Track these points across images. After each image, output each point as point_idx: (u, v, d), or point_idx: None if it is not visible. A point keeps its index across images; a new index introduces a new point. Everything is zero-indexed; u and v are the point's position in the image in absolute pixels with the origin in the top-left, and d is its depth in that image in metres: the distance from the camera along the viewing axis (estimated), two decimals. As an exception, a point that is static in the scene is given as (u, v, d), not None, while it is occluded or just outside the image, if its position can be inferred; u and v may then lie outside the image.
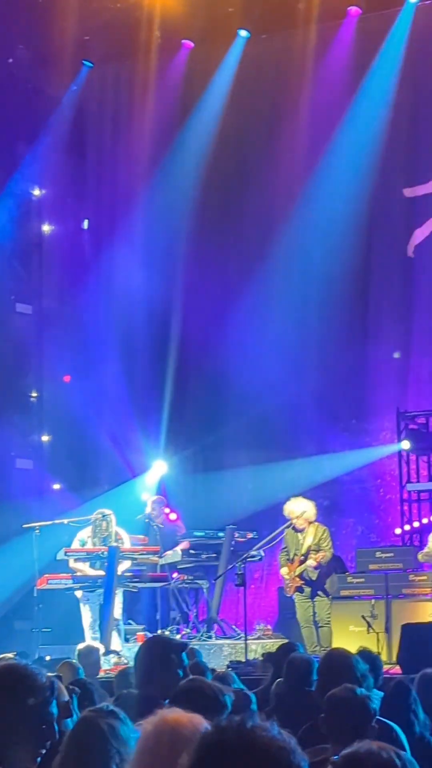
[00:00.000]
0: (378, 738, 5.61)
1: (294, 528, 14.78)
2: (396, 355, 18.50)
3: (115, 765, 4.25)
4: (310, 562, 14.54)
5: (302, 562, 14.60)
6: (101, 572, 14.88)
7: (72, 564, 15.16)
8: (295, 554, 14.73)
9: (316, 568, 14.58)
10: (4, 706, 3.95)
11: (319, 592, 14.72)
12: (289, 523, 14.90)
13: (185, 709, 3.69)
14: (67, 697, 5.62)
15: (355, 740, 5.20)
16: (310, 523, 14.83)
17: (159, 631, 15.51)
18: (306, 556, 14.62)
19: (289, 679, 7.82)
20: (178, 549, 16.47)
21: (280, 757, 2.26)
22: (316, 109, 18.73)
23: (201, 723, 3.29)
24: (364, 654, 8.33)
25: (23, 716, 3.97)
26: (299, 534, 14.78)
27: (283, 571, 14.82)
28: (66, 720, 5.57)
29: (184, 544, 16.61)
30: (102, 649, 13.08)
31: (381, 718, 6.12)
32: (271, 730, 2.29)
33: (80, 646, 12.71)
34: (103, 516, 15.27)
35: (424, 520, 17.28)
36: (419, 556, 14.45)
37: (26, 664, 4.17)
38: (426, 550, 14.32)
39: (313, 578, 14.62)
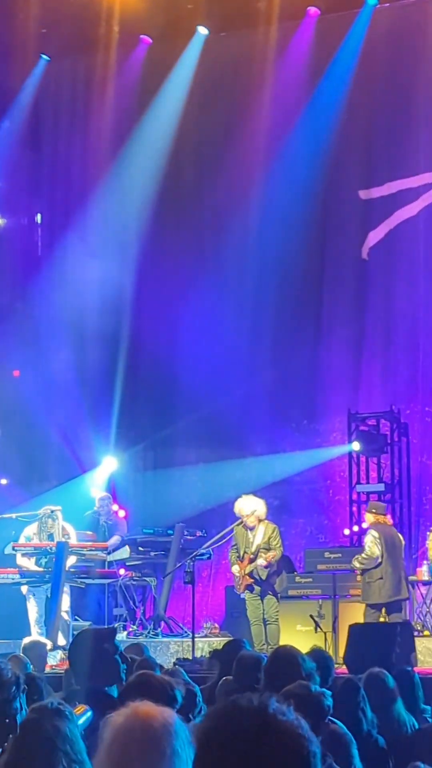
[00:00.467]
0: (329, 736, 5.64)
1: (245, 526, 14.77)
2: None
3: (62, 766, 4.20)
4: (261, 561, 14.53)
5: (252, 561, 14.59)
6: (41, 569, 14.83)
7: (19, 560, 15.07)
8: (245, 552, 14.72)
9: (266, 567, 14.57)
10: None
11: (269, 591, 14.71)
12: (239, 521, 14.88)
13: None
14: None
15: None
16: (261, 521, 14.82)
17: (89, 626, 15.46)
18: (256, 554, 14.61)
19: (238, 676, 7.81)
20: (114, 540, 16.41)
21: (298, 743, 2.20)
22: (273, 107, 18.76)
23: (172, 716, 3.26)
24: (318, 653, 8.34)
25: None
26: (249, 532, 14.77)
27: (234, 569, 14.80)
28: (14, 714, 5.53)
29: (114, 539, 16.56)
30: (49, 645, 13.01)
31: (329, 717, 6.13)
32: (289, 715, 2.23)
33: (26, 640, 12.63)
34: (51, 512, 15.20)
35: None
36: (355, 563, 14.38)
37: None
38: (365, 554, 14.29)
39: (263, 577, 14.62)
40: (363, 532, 17.11)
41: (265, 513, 14.91)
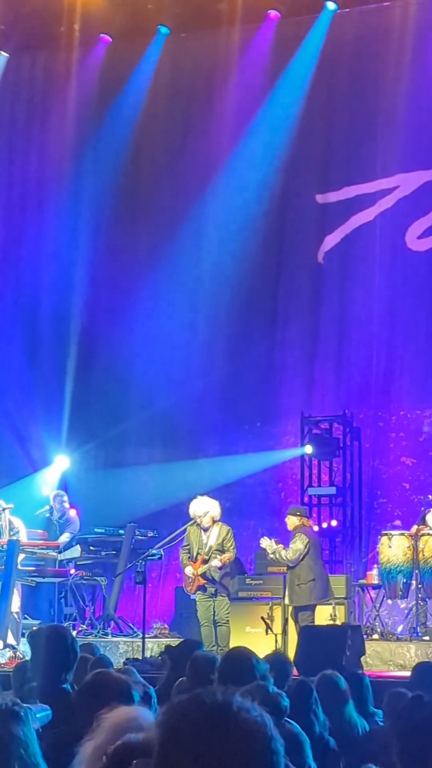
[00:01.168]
0: (285, 737, 5.65)
1: (199, 526, 14.78)
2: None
3: None
4: (215, 563, 14.54)
5: (206, 562, 14.60)
6: None
7: None
8: (198, 553, 14.72)
9: (220, 568, 14.59)
10: None
11: (221, 592, 14.72)
12: (192, 521, 14.88)
13: (93, 701, 3.65)
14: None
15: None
16: (215, 522, 14.85)
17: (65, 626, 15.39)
18: (210, 555, 14.63)
19: (192, 677, 7.80)
20: (64, 537, 16.36)
21: (261, 737, 2.14)
22: (232, 109, 18.79)
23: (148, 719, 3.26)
24: (277, 657, 8.38)
25: None
26: (204, 533, 14.78)
27: (188, 570, 14.78)
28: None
29: (64, 536, 16.52)
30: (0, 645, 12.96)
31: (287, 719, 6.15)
32: (252, 709, 2.18)
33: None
34: None
35: (324, 525, 17.41)
36: (276, 555, 14.48)
37: None
38: (288, 552, 14.38)
39: (217, 578, 14.64)
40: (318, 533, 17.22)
41: (219, 514, 14.94)
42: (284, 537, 16.60)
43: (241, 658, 6.76)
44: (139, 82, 19.36)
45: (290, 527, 14.73)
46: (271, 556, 14.50)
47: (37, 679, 6.30)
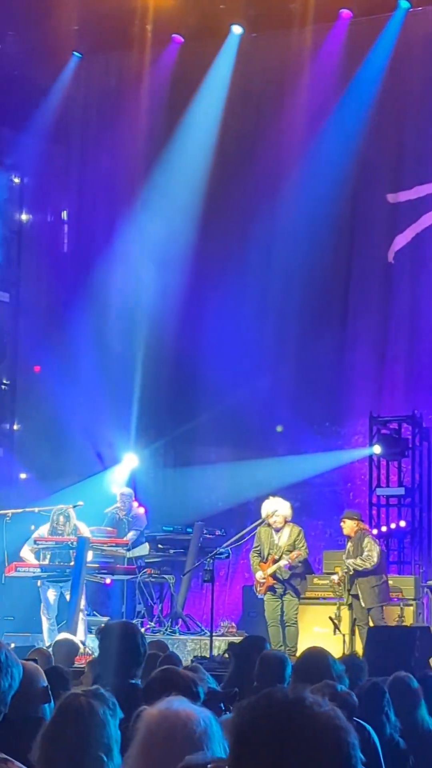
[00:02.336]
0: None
1: (270, 526, 14.79)
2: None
3: (102, 752, 4.22)
4: (283, 562, 14.56)
5: (276, 562, 14.63)
6: (58, 563, 14.89)
7: (23, 554, 15.09)
8: (269, 553, 14.72)
9: (289, 567, 14.60)
10: None
11: (289, 591, 14.72)
12: (261, 520, 14.89)
13: (159, 697, 3.67)
14: (45, 683, 5.59)
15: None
16: (287, 522, 14.86)
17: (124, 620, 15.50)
18: (281, 556, 14.64)
19: (261, 675, 7.80)
20: (130, 535, 16.45)
21: (337, 734, 2.13)
22: (305, 109, 18.76)
23: (206, 715, 3.27)
24: (353, 658, 8.37)
25: None
26: (275, 533, 14.79)
27: (258, 575, 14.80)
28: (44, 705, 5.55)
29: (131, 534, 16.59)
30: (81, 647, 13.06)
31: (354, 718, 6.14)
32: (325, 706, 2.16)
33: (58, 637, 12.69)
34: (61, 512, 15.22)
35: (392, 525, 17.36)
36: (356, 564, 14.49)
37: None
38: (363, 558, 14.39)
39: (285, 577, 14.65)
40: (382, 535, 17.16)
41: (291, 515, 14.96)
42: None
43: (318, 657, 6.76)
44: (212, 82, 19.38)
45: (348, 532, 14.71)
46: (353, 569, 14.49)
47: (105, 675, 6.34)
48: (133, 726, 3.36)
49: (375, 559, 14.39)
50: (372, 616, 14.28)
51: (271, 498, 15.12)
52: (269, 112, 19.37)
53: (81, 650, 13.27)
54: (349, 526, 14.75)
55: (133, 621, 15.61)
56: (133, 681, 6.21)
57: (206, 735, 3.24)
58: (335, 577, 14.68)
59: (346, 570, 14.54)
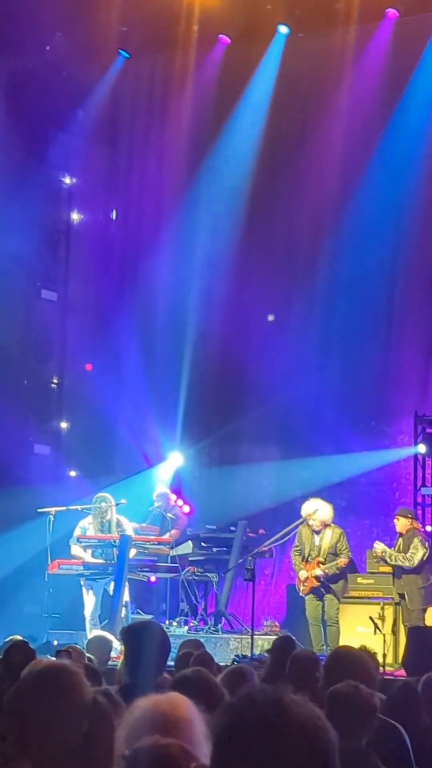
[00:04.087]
0: (379, 735, 5.68)
1: (310, 528, 14.82)
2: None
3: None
4: (318, 572, 14.58)
5: (321, 564, 14.65)
6: (100, 561, 14.99)
7: (74, 551, 15.22)
8: (310, 554, 14.74)
9: (324, 579, 14.65)
10: None
11: (330, 592, 14.73)
12: (301, 520, 14.92)
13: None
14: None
15: (355, 735, 5.28)
16: (327, 525, 14.86)
17: (167, 622, 15.60)
18: (326, 559, 14.66)
19: (294, 675, 7.83)
20: (171, 534, 16.53)
21: (317, 735, 2.15)
22: (351, 110, 18.69)
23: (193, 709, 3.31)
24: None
25: None
26: (316, 535, 14.81)
27: (301, 574, 14.83)
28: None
29: (173, 532, 16.66)
30: (115, 643, 13.13)
31: (384, 717, 6.15)
32: (306, 706, 2.18)
33: (92, 634, 12.76)
34: (102, 500, 15.35)
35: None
36: (397, 560, 14.47)
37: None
38: (408, 555, 14.37)
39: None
40: (428, 535, 17.10)
41: (331, 517, 14.93)
42: (396, 537, 16.53)
43: (349, 656, 6.77)
44: (258, 83, 19.40)
45: (401, 529, 14.71)
46: (389, 560, 14.49)
47: (131, 673, 6.40)
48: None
49: (417, 560, 14.36)
50: (412, 618, 14.27)
51: (311, 499, 15.15)
52: (316, 112, 19.31)
53: (122, 648, 13.35)
54: (402, 523, 14.76)
55: (177, 619, 15.76)
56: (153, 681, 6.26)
57: (189, 724, 3.26)
58: (379, 546, 14.67)
59: (387, 558, 14.52)
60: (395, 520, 14.90)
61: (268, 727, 2.14)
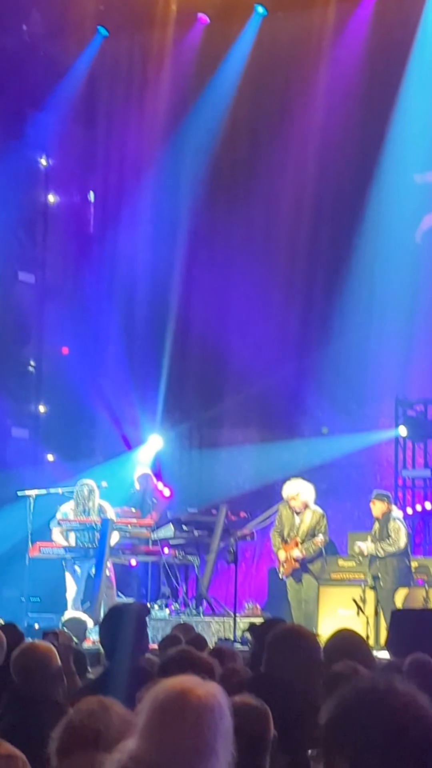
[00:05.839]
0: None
1: (291, 509, 14.74)
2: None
3: None
4: (297, 553, 14.50)
5: (298, 544, 14.58)
6: (82, 544, 14.92)
7: (54, 536, 15.13)
8: (289, 535, 14.67)
9: (303, 560, 14.56)
10: None
11: (307, 573, 14.65)
12: (283, 502, 14.85)
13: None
14: (59, 663, 5.58)
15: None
16: (308, 507, 14.78)
17: (148, 605, 15.51)
18: (305, 539, 14.58)
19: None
20: (151, 516, 16.47)
21: (426, 718, 2.29)
22: (329, 89, 18.61)
23: (215, 692, 3.25)
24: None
25: None
26: (296, 516, 14.74)
27: (281, 554, 14.75)
28: (57, 685, 5.55)
29: (152, 515, 16.59)
30: (90, 623, 13.06)
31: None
32: (416, 692, 2.33)
33: (66, 615, 12.70)
34: (83, 485, 15.27)
35: (418, 507, 17.29)
36: (379, 550, 14.42)
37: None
38: (389, 542, 14.32)
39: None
40: (408, 518, 17.09)
41: (313, 498, 14.86)
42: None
43: (348, 639, 6.70)
44: (236, 61, 19.28)
45: (377, 513, 14.63)
46: (380, 554, 14.42)
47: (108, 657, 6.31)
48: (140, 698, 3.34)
49: (403, 542, 14.31)
50: (382, 598, 14.21)
51: (293, 479, 15.07)
52: (294, 91, 19.22)
53: (90, 628, 13.24)
54: (378, 507, 14.68)
55: (158, 602, 15.69)
56: (139, 662, 6.18)
57: (214, 712, 3.22)
58: (363, 546, 14.61)
59: (375, 554, 14.47)
60: (371, 504, 14.81)
61: (380, 710, 2.29)
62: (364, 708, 2.29)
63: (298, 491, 14.77)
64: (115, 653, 6.36)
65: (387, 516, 14.56)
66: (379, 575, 14.39)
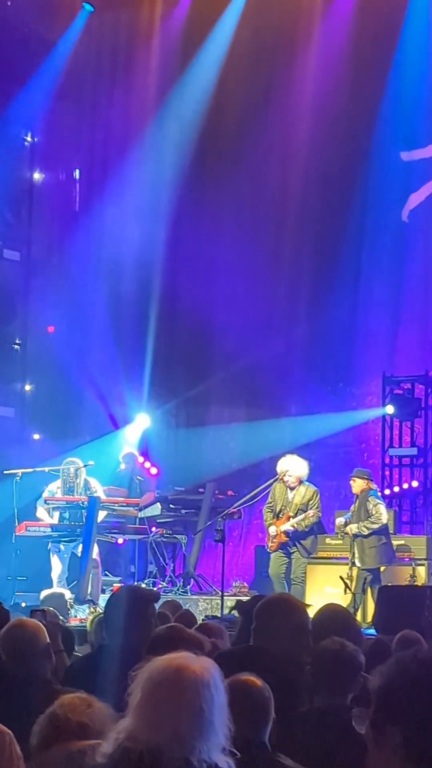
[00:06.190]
0: (362, 691, 5.59)
1: (286, 485, 14.67)
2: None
3: None
4: (288, 527, 14.46)
5: (290, 518, 14.55)
6: (68, 523, 14.88)
7: (39, 514, 15.10)
8: (282, 510, 14.61)
9: (293, 533, 14.52)
10: None
11: (299, 550, 14.62)
12: (276, 477, 14.79)
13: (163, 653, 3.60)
14: (47, 640, 5.55)
15: (341, 692, 5.19)
16: (302, 482, 14.74)
17: (135, 584, 15.49)
18: (296, 514, 14.53)
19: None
20: (144, 498, 16.45)
21: None
22: (317, 64, 18.55)
23: (209, 669, 3.25)
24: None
25: None
26: (290, 491, 14.68)
27: (271, 529, 14.69)
28: (45, 662, 5.51)
29: (148, 495, 16.56)
30: (67, 594, 13.07)
31: (366, 675, 6.07)
32: None
33: (44, 592, 12.69)
34: (70, 464, 15.23)
35: (405, 485, 17.31)
36: (362, 529, 14.36)
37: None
38: (372, 519, 14.27)
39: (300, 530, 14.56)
40: (395, 496, 17.11)
41: (306, 474, 14.81)
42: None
43: (336, 615, 6.68)
44: (223, 36, 19.18)
45: (356, 490, 14.54)
46: (362, 533, 14.37)
47: (112, 638, 6.27)
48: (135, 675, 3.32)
49: (383, 518, 14.26)
50: (365, 577, 14.20)
51: (288, 456, 15.00)
52: (280, 65, 19.15)
53: (92, 609, 13.25)
54: (358, 484, 14.60)
55: (145, 581, 15.69)
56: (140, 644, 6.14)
57: (210, 687, 3.21)
58: (341, 520, 14.57)
59: (359, 532, 14.43)
60: (351, 482, 14.70)
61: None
62: (427, 678, 2.26)
63: (291, 467, 14.70)
64: (117, 632, 6.31)
65: (365, 493, 14.49)
66: (356, 552, 14.34)
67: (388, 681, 2.29)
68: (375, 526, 14.30)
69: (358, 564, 14.28)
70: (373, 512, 14.29)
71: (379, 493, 14.84)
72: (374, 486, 14.82)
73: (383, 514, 14.31)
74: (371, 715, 2.31)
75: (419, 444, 17.43)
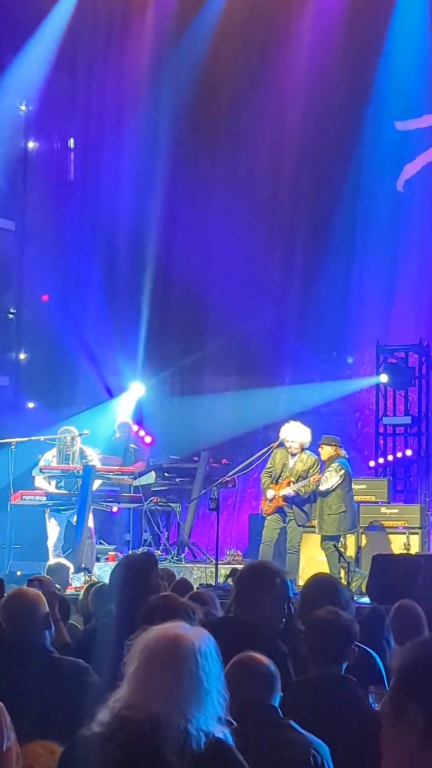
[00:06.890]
0: (356, 662, 5.67)
1: (288, 451, 14.62)
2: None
3: None
4: (288, 491, 14.45)
5: (290, 484, 14.54)
6: (63, 491, 14.93)
7: (38, 482, 15.14)
8: (281, 476, 14.57)
9: (290, 499, 14.52)
10: None
11: (295, 518, 14.61)
12: (278, 442, 14.73)
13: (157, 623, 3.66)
14: (47, 608, 5.60)
15: (335, 661, 5.26)
16: (304, 449, 14.71)
17: (130, 552, 15.56)
18: (298, 479, 14.50)
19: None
20: (137, 466, 16.50)
21: None
22: (312, 34, 18.49)
23: (201, 638, 3.30)
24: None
25: None
26: (291, 457, 14.64)
27: (269, 493, 14.63)
28: (44, 631, 5.57)
29: (139, 464, 16.60)
30: (71, 568, 13.12)
31: (359, 644, 6.15)
32: None
33: (50, 562, 12.73)
34: (65, 432, 15.27)
35: (399, 454, 17.38)
36: (292, 488, 14.35)
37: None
38: (327, 479, 14.24)
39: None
40: (389, 464, 17.18)
41: (308, 441, 14.75)
42: (361, 466, 16.58)
43: (326, 583, 6.74)
44: (217, 4, 19.09)
45: (324, 457, 14.52)
46: (302, 490, 14.33)
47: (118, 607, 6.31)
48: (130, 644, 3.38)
49: (331, 483, 14.18)
50: (323, 545, 14.22)
51: (291, 422, 14.92)
52: (274, 34, 19.09)
53: (86, 578, 13.34)
54: (326, 451, 14.52)
55: (139, 549, 15.74)
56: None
57: (206, 657, 3.27)
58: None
59: (306, 489, 14.35)
60: (319, 449, 14.68)
61: None
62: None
63: (294, 434, 14.66)
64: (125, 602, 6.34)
65: (332, 460, 14.45)
66: (317, 517, 14.33)
67: (413, 657, 2.30)
68: (305, 489, 14.21)
69: (317, 531, 14.29)
70: (326, 475, 14.22)
71: (347, 461, 14.67)
72: (342, 452, 14.66)
73: (329, 481, 14.17)
74: (390, 691, 2.32)
75: (413, 413, 17.49)
